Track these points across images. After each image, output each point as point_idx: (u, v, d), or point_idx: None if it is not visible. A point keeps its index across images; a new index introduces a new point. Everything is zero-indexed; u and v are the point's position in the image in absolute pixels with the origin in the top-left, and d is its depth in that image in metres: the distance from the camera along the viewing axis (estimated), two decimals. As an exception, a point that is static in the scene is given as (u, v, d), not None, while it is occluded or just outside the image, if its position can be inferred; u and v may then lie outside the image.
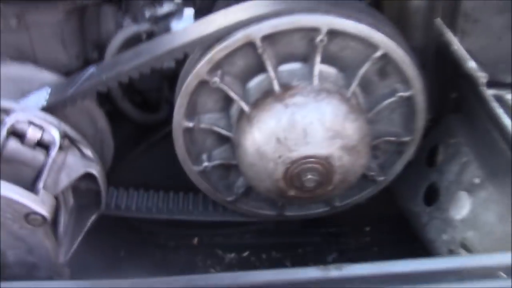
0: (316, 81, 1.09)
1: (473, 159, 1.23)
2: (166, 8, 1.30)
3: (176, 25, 1.31)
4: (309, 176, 1.10)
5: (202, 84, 1.12)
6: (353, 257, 1.60)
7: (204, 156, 1.22)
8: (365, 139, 1.12)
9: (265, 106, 1.09)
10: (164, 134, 1.46)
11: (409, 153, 1.27)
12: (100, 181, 1.17)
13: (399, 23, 1.35)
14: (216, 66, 1.10)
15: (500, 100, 1.36)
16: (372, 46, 1.10)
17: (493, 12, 1.26)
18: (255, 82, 1.14)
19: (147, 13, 1.28)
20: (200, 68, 1.09)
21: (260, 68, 1.11)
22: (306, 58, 1.12)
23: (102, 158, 1.23)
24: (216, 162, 1.22)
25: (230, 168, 1.25)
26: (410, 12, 1.32)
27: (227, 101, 1.16)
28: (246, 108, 1.11)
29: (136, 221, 1.48)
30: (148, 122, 1.44)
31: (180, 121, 1.15)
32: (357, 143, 1.10)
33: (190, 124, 1.16)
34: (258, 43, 1.06)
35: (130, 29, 1.27)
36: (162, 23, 1.31)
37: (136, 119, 1.40)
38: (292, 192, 1.14)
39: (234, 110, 1.17)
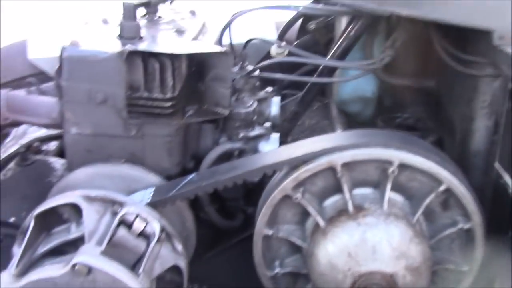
0: (386, 205, 1.25)
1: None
2: (257, 131, 1.53)
3: (264, 146, 1.53)
4: (375, 290, 1.21)
5: (285, 198, 1.29)
6: None
7: (277, 263, 1.36)
8: (427, 262, 1.24)
9: (339, 223, 1.25)
10: (238, 240, 1.62)
11: (466, 283, 1.36)
12: (184, 275, 1.31)
13: (461, 164, 1.52)
14: (300, 184, 1.28)
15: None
16: (437, 181, 1.26)
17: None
18: (332, 201, 1.31)
19: (241, 134, 1.51)
20: (286, 184, 1.27)
21: (337, 189, 1.29)
22: (378, 185, 1.29)
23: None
24: (287, 269, 1.36)
25: (299, 277, 1.38)
26: (470, 155, 1.49)
27: (305, 215, 1.32)
28: (322, 223, 1.27)
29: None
30: (225, 227, 1.61)
31: (261, 228, 1.31)
32: (420, 264, 1.22)
33: (270, 232, 1.32)
34: (339, 168, 1.24)
35: (225, 146, 1.49)
36: (252, 143, 1.53)
37: (217, 224, 1.57)
38: None
39: (309, 224, 1.32)
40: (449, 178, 1.25)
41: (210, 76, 1.45)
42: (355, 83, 1.93)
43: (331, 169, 1.26)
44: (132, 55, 1.33)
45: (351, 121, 2.01)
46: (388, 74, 1.87)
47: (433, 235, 1.31)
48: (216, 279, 1.55)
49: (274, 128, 1.72)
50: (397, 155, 1.23)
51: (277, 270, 1.35)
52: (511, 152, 1.37)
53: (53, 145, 2.10)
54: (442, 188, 1.25)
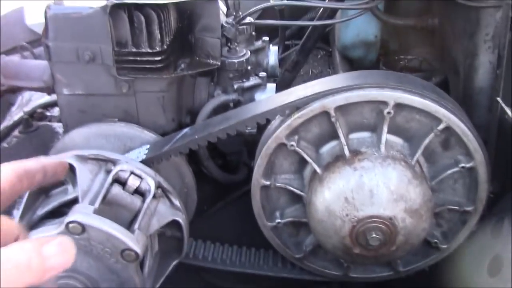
0: (383, 148, 1.21)
1: (535, 233, 1.27)
2: (252, 81, 1.49)
3: (260, 96, 1.49)
4: (374, 235, 1.19)
5: (280, 147, 1.26)
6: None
7: (277, 213, 1.35)
8: (428, 204, 1.20)
9: (335, 168, 1.21)
10: (241, 194, 1.61)
11: (472, 223, 1.33)
12: (184, 230, 1.31)
13: (464, 101, 1.47)
14: (294, 132, 1.25)
15: None
16: (436, 119, 1.21)
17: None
18: (328, 148, 1.27)
19: (235, 85, 1.47)
20: (279, 133, 1.24)
21: (333, 135, 1.25)
22: (375, 128, 1.25)
23: (186, 210, 1.38)
24: (288, 219, 1.34)
25: (301, 226, 1.36)
26: (474, 93, 1.43)
27: (302, 164, 1.29)
28: (318, 170, 1.24)
29: (208, 274, 1.59)
30: (227, 182, 1.60)
31: (258, 179, 1.29)
32: (419, 206, 1.19)
33: (267, 182, 1.30)
34: (332, 112, 1.20)
35: (219, 98, 1.46)
36: (248, 94, 1.49)
37: (218, 178, 1.56)
38: (357, 250, 1.23)
39: (307, 172, 1.29)
40: (448, 116, 1.20)
41: (199, 26, 1.41)
42: (357, 27, 1.87)
43: (326, 114, 1.22)
44: (116, 9, 1.29)
45: (355, 67, 1.96)
46: (390, 15, 1.80)
47: (435, 176, 1.27)
48: (219, 234, 1.55)
49: (273, 79, 1.69)
50: (392, 95, 1.19)
51: (278, 220, 1.34)
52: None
53: (57, 111, 2.10)
54: (441, 126, 1.20)
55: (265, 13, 2.06)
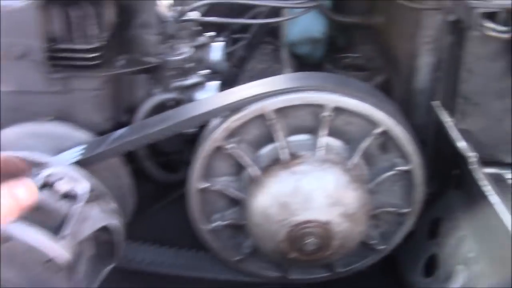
0: (321, 152, 1.20)
1: (469, 234, 1.29)
2: (192, 80, 1.46)
3: (201, 95, 1.46)
4: (309, 240, 1.18)
5: (218, 149, 1.24)
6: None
7: (216, 216, 1.32)
8: (364, 207, 1.21)
9: (273, 172, 1.20)
10: (182, 194, 1.57)
11: (409, 224, 1.34)
12: (119, 234, 1.27)
13: (405, 101, 1.48)
14: (232, 134, 1.22)
15: (499, 179, 1.43)
16: (373, 123, 1.21)
17: (492, 97, 1.35)
18: (267, 150, 1.25)
19: (175, 84, 1.43)
20: (217, 135, 1.21)
21: (272, 137, 1.23)
22: (314, 131, 1.24)
23: (124, 212, 1.34)
24: (227, 222, 1.32)
25: (240, 229, 1.34)
26: (414, 93, 1.44)
27: (240, 166, 1.27)
28: (256, 173, 1.22)
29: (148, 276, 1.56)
30: (169, 182, 1.56)
31: (195, 182, 1.26)
32: (356, 211, 1.19)
33: (204, 186, 1.27)
34: (270, 115, 1.18)
35: (158, 97, 1.41)
36: (188, 93, 1.46)
37: (157, 178, 1.52)
38: (293, 254, 1.22)
39: (246, 175, 1.27)
40: (386, 120, 1.20)
41: (137, 22, 1.36)
42: (304, 24, 1.86)
43: (264, 116, 1.20)
44: (49, 3, 1.23)
45: (302, 64, 1.95)
46: (337, 13, 1.79)
47: (373, 179, 1.27)
48: (160, 235, 1.51)
49: (218, 75, 1.66)
50: (331, 99, 1.18)
51: (218, 223, 1.32)
52: (452, 89, 1.32)
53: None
54: (378, 130, 1.20)
55: (213, 8, 2.02)
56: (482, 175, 1.15)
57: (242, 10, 2.15)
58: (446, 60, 1.29)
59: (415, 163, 1.25)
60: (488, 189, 1.10)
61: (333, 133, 1.23)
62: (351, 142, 1.25)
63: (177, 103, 1.43)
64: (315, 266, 1.36)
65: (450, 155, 1.42)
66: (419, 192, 1.28)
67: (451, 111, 1.36)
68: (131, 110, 1.45)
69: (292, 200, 1.17)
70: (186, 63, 1.44)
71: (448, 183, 1.47)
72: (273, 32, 2.19)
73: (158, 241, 1.48)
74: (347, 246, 1.23)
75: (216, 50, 1.63)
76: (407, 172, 1.26)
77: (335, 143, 1.25)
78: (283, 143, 1.20)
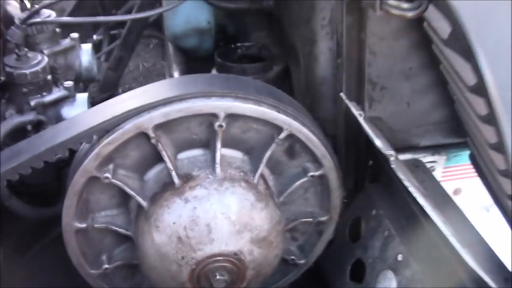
0: (218, 169, 1.00)
1: (394, 233, 1.17)
2: (55, 94, 1.19)
3: (68, 112, 1.20)
4: (218, 277, 0.99)
5: (93, 180, 1.00)
6: None
7: (104, 257, 1.09)
8: (277, 227, 1.03)
9: (163, 201, 0.99)
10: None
11: (328, 233, 1.19)
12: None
13: (308, 94, 1.32)
14: (107, 160, 0.99)
15: (416, 165, 1.33)
16: (276, 127, 1.03)
17: (399, 79, 1.23)
18: (153, 173, 1.04)
19: (32, 102, 1.16)
20: (87, 164, 0.97)
21: (158, 157, 1.01)
22: (207, 144, 1.03)
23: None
24: (118, 263, 1.09)
25: (135, 268, 1.12)
26: (317, 83, 1.28)
27: (125, 196, 1.04)
28: (143, 204, 1.00)
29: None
30: (44, 218, 1.29)
31: (70, 222, 1.02)
32: (268, 233, 1.01)
33: (83, 225, 1.03)
34: (151, 133, 0.97)
35: (12, 121, 1.14)
36: (52, 111, 1.19)
37: (29, 217, 1.25)
38: None
39: (132, 205, 1.05)
40: (289, 122, 1.02)
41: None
42: (186, 13, 1.65)
43: (144, 135, 0.98)
44: None
45: (190, 59, 1.73)
46: (221, -1, 1.59)
47: (283, 190, 1.10)
48: (43, 277, 1.27)
49: (92, 83, 1.40)
50: (221, 106, 0.98)
51: (105, 266, 1.08)
52: (357, 75, 1.18)
53: None
54: (282, 135, 1.03)
55: (82, 4, 1.75)
56: (402, 169, 1.01)
57: (118, 3, 1.90)
58: (346, 44, 1.14)
59: (328, 166, 1.09)
60: (412, 187, 0.96)
61: (230, 143, 1.04)
62: (252, 151, 1.06)
63: (38, 125, 1.16)
64: None
65: (362, 148, 1.30)
66: (336, 196, 1.14)
67: (359, 100, 1.22)
68: (-19, 140, 1.17)
69: (191, 233, 0.97)
70: (44, 75, 1.17)
71: (364, 177, 1.35)
72: (156, 24, 1.95)
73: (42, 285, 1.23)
74: (264, 273, 1.05)
75: (85, 54, 1.37)
76: (321, 177, 1.10)
77: (234, 154, 1.06)
78: (170, 164, 0.99)
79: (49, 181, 1.30)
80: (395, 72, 1.22)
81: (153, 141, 0.97)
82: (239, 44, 1.58)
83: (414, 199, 1.08)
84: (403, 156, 1.33)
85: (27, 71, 1.14)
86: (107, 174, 0.98)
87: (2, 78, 1.10)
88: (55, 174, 1.28)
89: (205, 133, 1.02)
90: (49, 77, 1.19)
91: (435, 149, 1.33)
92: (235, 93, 0.99)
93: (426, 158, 1.35)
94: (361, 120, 1.04)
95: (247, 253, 1.00)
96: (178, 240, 0.97)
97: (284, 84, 1.41)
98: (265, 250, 1.02)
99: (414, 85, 1.24)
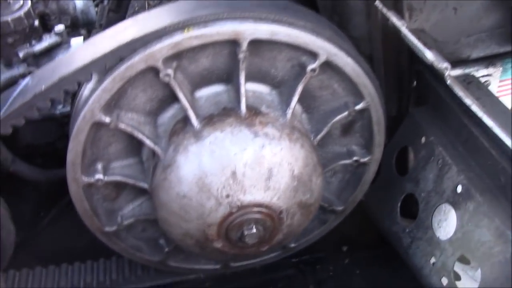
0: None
1: (450, 162, 1.01)
2: (45, 42, 1.05)
3: (63, 60, 1.06)
4: (254, 230, 0.86)
5: (98, 126, 0.88)
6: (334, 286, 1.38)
7: (117, 213, 0.98)
8: (319, 199, 0.94)
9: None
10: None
11: (370, 175, 1.08)
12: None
13: (336, 10, 1.14)
14: (112, 102, 0.86)
15: (470, 80, 1.16)
16: (309, 53, 0.88)
17: (443, -20, 1.05)
18: (171, 114, 0.91)
19: (21, 53, 1.02)
20: (90, 107, 0.84)
21: (171, 97, 0.88)
22: (227, 78, 0.88)
23: (2, 244, 0.98)
24: (134, 218, 0.98)
25: (153, 225, 1.00)
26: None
27: (137, 143, 0.92)
28: (158, 151, 0.88)
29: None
30: (59, 178, 1.18)
31: (76, 177, 0.91)
32: (315, 202, 0.92)
33: (91, 179, 0.92)
34: (161, 67, 0.83)
35: (3, 75, 1.01)
36: (45, 61, 1.06)
37: (38, 181, 1.14)
38: (218, 244, 0.91)
39: (146, 153, 0.93)
40: (325, 47, 0.88)
41: None
42: None
43: (154, 70, 0.84)
44: None
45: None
46: None
47: (319, 128, 0.97)
48: (64, 240, 1.21)
49: (91, 27, 1.26)
50: (245, 30, 0.83)
51: (120, 222, 0.98)
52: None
53: None
54: (318, 62, 0.88)
55: None
56: (460, 85, 0.84)
57: None
58: None
59: (370, 98, 0.95)
60: (475, 105, 0.80)
61: (255, 76, 0.89)
62: (281, 84, 0.91)
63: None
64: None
65: (405, 67, 1.13)
66: (380, 133, 1.01)
67: (397, 10, 1.04)
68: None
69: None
70: (30, 20, 1.02)
71: (408, 101, 1.18)
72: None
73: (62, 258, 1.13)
74: (284, 242, 0.97)
75: (79, -6, 1.22)
76: (362, 111, 0.97)
77: (261, 89, 0.91)
78: (187, 104, 0.85)
79: (54, 140, 1.18)
80: (437, -28, 1.04)
81: (164, 77, 0.83)
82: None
83: (472, 120, 0.92)
84: (453, 72, 1.16)
85: (8, 18, 1.00)
86: (114, 118, 0.85)
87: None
88: (60, 131, 1.17)
89: (225, 65, 0.88)
90: (36, 23, 1.05)
91: (489, 60, 1.17)
92: (258, 13, 0.83)
93: (479, 72, 1.19)
94: (405, 30, 0.87)
95: (290, 215, 0.89)
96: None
97: (306, 2, 1.23)
98: (302, 219, 0.92)
99: (461, -14, 1.06)
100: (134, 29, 0.85)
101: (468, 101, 0.81)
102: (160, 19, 0.86)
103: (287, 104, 0.90)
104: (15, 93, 0.83)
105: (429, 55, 0.84)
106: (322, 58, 0.88)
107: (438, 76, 0.94)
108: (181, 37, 0.83)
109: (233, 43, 0.85)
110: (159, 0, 1.77)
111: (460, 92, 0.82)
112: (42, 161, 1.22)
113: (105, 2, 1.68)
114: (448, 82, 0.82)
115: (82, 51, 0.86)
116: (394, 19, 0.89)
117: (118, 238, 1.00)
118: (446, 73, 0.82)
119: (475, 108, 0.80)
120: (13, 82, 1.02)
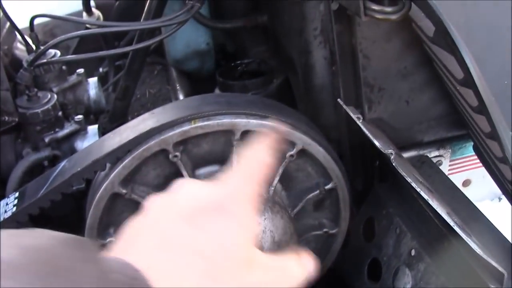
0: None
1: (405, 230, 1.19)
2: (67, 129, 1.25)
3: (81, 144, 1.26)
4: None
5: (115, 197, 1.05)
6: None
7: None
8: None
9: None
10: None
11: (338, 243, 1.23)
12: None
13: (310, 103, 1.36)
14: (129, 177, 1.04)
15: (422, 160, 1.36)
16: (289, 143, 1.08)
17: (396, 79, 1.26)
18: None
19: (47, 138, 1.22)
20: (112, 180, 1.02)
21: (177, 174, 1.06)
22: (222, 160, 1.08)
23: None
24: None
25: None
26: (316, 92, 1.32)
27: None
28: None
29: None
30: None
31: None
32: None
33: (105, 241, 1.08)
34: (171, 150, 1.02)
35: (29, 158, 1.20)
36: (66, 146, 1.25)
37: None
38: None
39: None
40: (301, 138, 1.08)
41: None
42: (185, 37, 1.70)
43: (164, 152, 1.04)
44: None
45: (194, 80, 1.79)
46: (217, 19, 1.64)
47: (295, 204, 1.15)
48: None
49: (101, 114, 1.46)
50: (239, 123, 1.04)
51: None
52: (353, 80, 1.22)
53: None
54: (295, 150, 1.08)
55: (86, 39, 1.82)
56: (405, 166, 1.04)
57: (119, 34, 1.97)
58: (339, 51, 1.18)
59: (337, 179, 1.13)
60: (415, 182, 0.99)
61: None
62: None
63: (53, 160, 1.22)
64: None
65: (368, 149, 1.33)
66: (346, 208, 1.18)
67: (358, 103, 1.26)
68: (2, 179, 1.23)
69: None
70: (55, 112, 1.23)
71: (372, 177, 1.38)
72: (158, 50, 2.02)
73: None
74: None
75: (92, 88, 1.43)
76: (331, 190, 1.15)
77: None
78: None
79: (68, 213, 1.35)
80: (391, 73, 1.25)
81: (173, 158, 1.02)
82: (238, 62, 1.63)
83: (419, 194, 1.11)
84: (409, 154, 1.36)
85: (39, 110, 1.20)
86: (129, 190, 1.04)
87: (16, 119, 1.15)
88: (74, 205, 1.34)
89: (221, 149, 1.07)
90: (60, 113, 1.25)
91: (439, 143, 1.36)
92: (250, 110, 1.04)
93: (432, 153, 1.38)
94: (359, 123, 1.07)
95: None
96: None
97: (285, 95, 1.46)
98: None
99: (411, 83, 1.26)
100: (152, 121, 1.06)
101: (409, 179, 1.00)
102: (172, 112, 1.08)
103: (270, 183, 1.10)
104: (54, 174, 1.02)
105: (377, 143, 1.03)
106: (299, 147, 1.08)
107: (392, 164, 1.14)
108: (189, 127, 1.03)
109: (229, 133, 1.05)
110: (158, 89, 2.02)
111: (403, 172, 1.01)
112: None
113: (110, 90, 1.92)
114: (394, 163, 1.01)
115: (110, 139, 1.06)
116: (351, 114, 1.10)
117: None
118: (391, 157, 1.02)
119: (414, 185, 0.99)
120: (39, 163, 1.21)
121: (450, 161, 1.42)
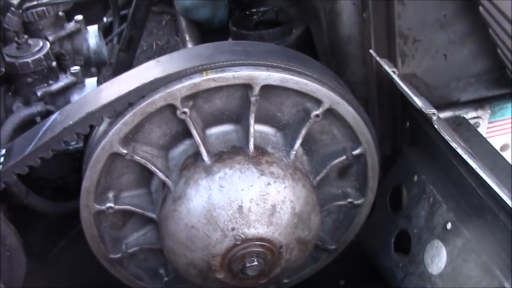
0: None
1: (440, 200, 1.06)
2: (62, 82, 1.12)
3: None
4: (256, 263, 0.91)
5: (114, 157, 0.94)
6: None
7: (123, 242, 1.03)
8: (316, 237, 0.99)
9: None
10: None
11: (362, 216, 1.12)
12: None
13: (334, 56, 1.21)
14: (130, 136, 0.93)
15: (460, 122, 1.22)
16: (314, 100, 0.95)
17: (433, 29, 1.12)
18: (182, 149, 0.97)
19: (39, 92, 1.09)
20: (110, 138, 0.90)
21: (185, 133, 0.94)
22: (237, 119, 0.95)
23: (11, 277, 1.02)
24: (136, 248, 1.03)
25: (155, 254, 1.06)
26: (342, 43, 1.17)
27: (148, 175, 0.98)
28: (169, 183, 0.95)
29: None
30: (65, 213, 1.23)
31: (88, 204, 0.96)
32: (311, 238, 0.97)
33: (102, 207, 0.97)
34: (179, 105, 0.90)
35: (20, 113, 1.08)
36: (61, 100, 1.12)
37: (49, 213, 1.19)
38: (220, 275, 0.95)
39: (155, 185, 0.99)
40: (329, 96, 0.94)
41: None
42: (196, -16, 1.54)
43: (171, 108, 0.91)
44: None
45: (205, 31, 1.63)
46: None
47: (318, 170, 1.03)
48: (70, 273, 1.25)
49: (102, 66, 1.33)
50: (259, 75, 0.90)
51: (124, 250, 1.03)
52: (386, 29, 1.06)
53: None
54: (321, 109, 0.95)
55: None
56: (447, 129, 0.90)
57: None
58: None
59: (366, 144, 1.01)
60: (460, 148, 0.85)
61: (262, 118, 0.96)
62: (286, 127, 0.98)
63: (47, 115, 1.09)
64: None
65: (398, 109, 1.19)
66: (373, 177, 1.06)
67: (390, 56, 1.11)
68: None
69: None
70: (48, 61, 1.09)
71: (402, 141, 1.24)
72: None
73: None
74: (281, 277, 1.03)
75: (92, 36, 1.29)
76: (358, 156, 1.03)
77: (267, 130, 0.98)
78: (199, 140, 0.92)
79: (67, 174, 1.24)
80: (428, 22, 1.11)
81: (181, 115, 0.90)
82: (254, 10, 1.47)
83: (460, 160, 0.98)
84: (444, 114, 1.23)
85: (29, 60, 1.07)
86: (130, 150, 0.92)
87: (3, 70, 1.02)
88: (72, 166, 1.22)
89: (237, 106, 0.94)
90: (53, 63, 1.12)
91: (478, 103, 1.24)
92: (271, 61, 0.90)
93: (468, 114, 1.25)
94: (395, 78, 0.93)
95: (289, 250, 0.94)
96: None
97: (306, 48, 1.31)
98: (301, 254, 0.97)
99: (451, 34, 1.13)
100: (157, 70, 0.92)
101: (454, 144, 0.87)
102: (181, 61, 0.94)
103: (291, 146, 0.97)
104: (44, 128, 0.90)
105: (418, 102, 0.90)
106: (325, 106, 0.95)
107: (427, 119, 1.00)
108: (200, 79, 0.90)
109: (246, 87, 0.92)
110: (166, 40, 1.87)
111: (447, 135, 0.88)
112: (52, 194, 1.28)
113: (114, 41, 1.77)
114: (436, 125, 0.88)
115: (108, 89, 0.93)
116: (386, 67, 0.96)
117: (120, 266, 1.05)
118: (434, 118, 0.88)
119: (460, 150, 0.86)
120: (31, 119, 1.09)
121: (489, 123, 1.29)
